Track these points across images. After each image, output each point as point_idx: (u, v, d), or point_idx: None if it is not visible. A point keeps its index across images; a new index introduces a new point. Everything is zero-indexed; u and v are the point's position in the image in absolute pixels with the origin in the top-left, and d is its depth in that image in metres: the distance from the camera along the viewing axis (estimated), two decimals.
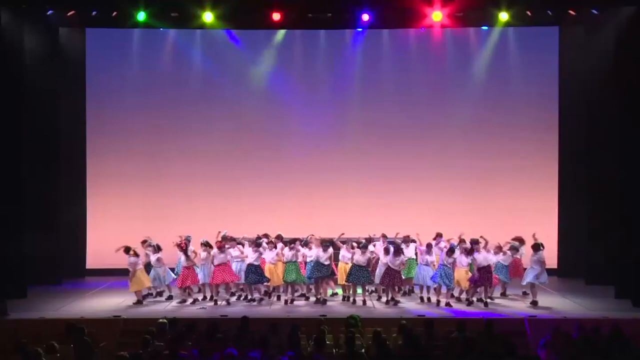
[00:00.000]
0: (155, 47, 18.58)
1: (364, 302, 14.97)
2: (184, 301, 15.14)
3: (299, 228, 17.66)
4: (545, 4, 16.66)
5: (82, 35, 18.38)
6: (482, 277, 14.66)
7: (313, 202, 18.66)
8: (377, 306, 14.95)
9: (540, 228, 17.55)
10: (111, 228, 17.77)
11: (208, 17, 16.54)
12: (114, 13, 16.92)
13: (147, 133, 18.73)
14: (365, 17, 16.71)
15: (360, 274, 14.88)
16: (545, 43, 18.38)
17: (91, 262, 18.35)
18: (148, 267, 15.43)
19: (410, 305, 14.92)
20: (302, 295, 15.59)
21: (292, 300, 15.20)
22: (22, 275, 15.72)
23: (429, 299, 15.19)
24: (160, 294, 15.62)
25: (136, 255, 15.08)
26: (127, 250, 15.07)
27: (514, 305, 14.95)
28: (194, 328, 11.55)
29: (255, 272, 14.95)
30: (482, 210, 18.32)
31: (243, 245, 15.39)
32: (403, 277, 15.20)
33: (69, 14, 17.11)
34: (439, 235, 15.69)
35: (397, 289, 15.23)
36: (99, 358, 11.06)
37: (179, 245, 15.20)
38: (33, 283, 16.08)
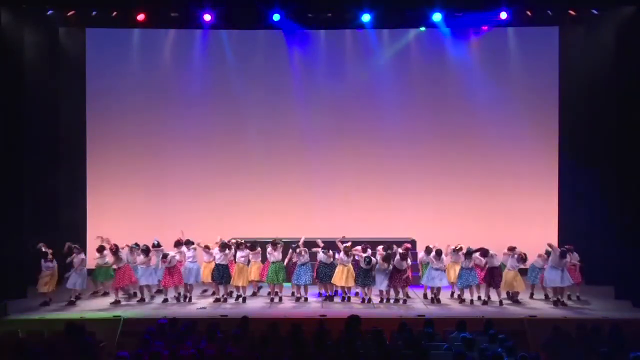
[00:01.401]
0: (155, 47, 18.58)
1: (365, 301, 15.12)
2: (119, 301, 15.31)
3: (298, 229, 17.72)
4: (545, 4, 16.67)
5: (82, 35, 18.39)
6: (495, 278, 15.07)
7: (312, 203, 18.62)
8: (377, 306, 14.97)
9: (541, 229, 17.66)
10: (111, 228, 17.72)
11: (207, 17, 16.60)
12: (114, 13, 16.96)
13: (147, 133, 18.73)
14: (366, 17, 16.73)
15: (365, 277, 15.11)
16: (545, 43, 18.37)
17: (91, 262, 18.31)
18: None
19: (411, 306, 14.95)
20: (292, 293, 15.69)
21: (280, 299, 15.36)
22: (22, 275, 15.72)
23: (438, 299, 15.26)
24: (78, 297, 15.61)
25: (53, 259, 15.16)
26: (44, 255, 15.12)
27: (515, 306, 14.97)
28: (194, 328, 11.55)
29: (220, 272, 15.16)
30: (481, 212, 18.33)
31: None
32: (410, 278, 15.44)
33: (69, 14, 17.17)
34: (459, 250, 15.62)
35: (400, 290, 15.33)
36: (99, 358, 11.07)
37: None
38: (33, 283, 16.06)
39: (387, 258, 15.03)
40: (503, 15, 16.50)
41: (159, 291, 15.87)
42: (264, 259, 15.69)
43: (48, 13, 16.84)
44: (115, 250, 15.50)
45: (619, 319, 13.12)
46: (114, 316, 13.75)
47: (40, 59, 17.02)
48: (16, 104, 15.96)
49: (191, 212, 18.32)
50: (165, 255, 15.20)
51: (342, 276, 15.23)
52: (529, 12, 16.97)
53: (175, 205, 18.50)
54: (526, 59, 18.44)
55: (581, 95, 17.79)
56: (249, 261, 15.51)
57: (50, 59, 17.39)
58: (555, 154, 18.39)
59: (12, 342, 10.86)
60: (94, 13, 17.08)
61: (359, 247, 15.38)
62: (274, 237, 16.06)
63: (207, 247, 15.72)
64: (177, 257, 15.43)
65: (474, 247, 15.33)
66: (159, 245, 15.68)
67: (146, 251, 15.35)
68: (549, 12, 17.01)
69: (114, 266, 15.56)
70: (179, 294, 15.44)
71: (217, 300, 15.34)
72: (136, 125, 18.70)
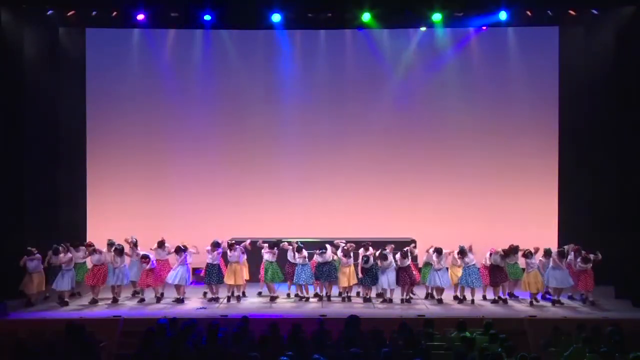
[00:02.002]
0: (156, 47, 18.57)
1: (365, 300, 15.15)
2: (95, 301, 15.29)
3: (298, 229, 17.78)
4: (545, 4, 16.67)
5: (82, 35, 18.38)
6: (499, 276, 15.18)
7: (312, 203, 18.62)
8: (377, 306, 14.98)
9: (541, 229, 17.65)
10: (111, 228, 17.73)
11: (207, 17, 16.60)
12: (114, 13, 16.96)
13: (147, 133, 18.72)
14: (366, 17, 16.71)
15: (365, 277, 15.22)
16: (545, 43, 18.36)
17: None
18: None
19: (411, 306, 14.95)
20: (296, 295, 15.67)
21: (275, 298, 15.38)
22: (22, 276, 15.70)
23: (440, 300, 15.26)
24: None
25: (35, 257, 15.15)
26: (29, 253, 15.08)
27: (515, 305, 14.97)
28: (194, 328, 11.55)
29: (213, 272, 15.20)
30: (481, 212, 18.31)
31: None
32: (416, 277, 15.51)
33: (69, 14, 17.15)
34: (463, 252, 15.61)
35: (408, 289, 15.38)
36: (100, 358, 11.07)
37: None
38: None
39: (383, 256, 15.06)
40: (503, 15, 16.48)
41: (135, 292, 15.84)
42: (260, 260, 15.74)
43: (48, 13, 16.82)
44: (93, 249, 15.47)
45: (619, 318, 13.12)
46: (114, 316, 13.76)
47: (40, 59, 16.99)
48: (16, 104, 15.96)
49: (191, 212, 18.32)
50: (145, 257, 15.20)
51: (346, 278, 15.28)
52: (528, 12, 16.96)
53: (176, 205, 18.50)
54: (526, 58, 18.42)
55: (581, 95, 17.78)
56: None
57: (50, 59, 17.38)
58: (555, 154, 18.36)
59: (12, 342, 10.86)
60: (94, 13, 17.06)
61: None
62: (274, 237, 16.09)
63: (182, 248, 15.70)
64: (155, 258, 15.43)
65: (474, 247, 15.36)
66: (135, 243, 15.68)
67: (120, 251, 15.33)
68: (549, 12, 16.99)
69: (90, 265, 15.51)
70: (162, 294, 15.40)
71: (212, 299, 15.32)
72: (136, 125, 18.69)
